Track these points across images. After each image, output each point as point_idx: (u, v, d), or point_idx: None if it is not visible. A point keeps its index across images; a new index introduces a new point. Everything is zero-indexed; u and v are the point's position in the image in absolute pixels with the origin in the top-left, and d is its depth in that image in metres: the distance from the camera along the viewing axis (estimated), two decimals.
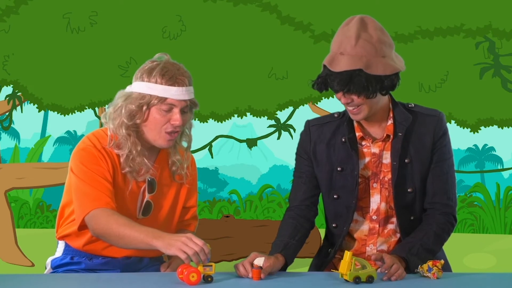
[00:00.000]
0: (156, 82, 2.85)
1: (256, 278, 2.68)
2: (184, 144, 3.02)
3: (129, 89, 2.91)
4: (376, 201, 2.98)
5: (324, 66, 2.84)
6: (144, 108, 2.86)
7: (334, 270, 2.76)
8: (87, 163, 2.87)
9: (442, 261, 2.74)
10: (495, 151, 8.91)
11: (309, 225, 3.03)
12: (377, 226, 2.99)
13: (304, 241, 2.99)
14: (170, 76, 2.85)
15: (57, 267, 3.01)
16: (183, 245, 2.59)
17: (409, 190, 2.96)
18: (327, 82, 2.84)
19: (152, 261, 3.03)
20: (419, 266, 2.77)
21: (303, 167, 3.05)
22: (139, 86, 2.87)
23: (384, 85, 2.83)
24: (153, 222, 2.94)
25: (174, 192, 3.03)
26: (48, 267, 3.05)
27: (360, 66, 2.78)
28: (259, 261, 2.71)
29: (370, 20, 2.85)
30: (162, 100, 2.84)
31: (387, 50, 2.83)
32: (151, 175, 2.95)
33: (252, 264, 2.71)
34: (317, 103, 7.08)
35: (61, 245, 3.04)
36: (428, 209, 2.99)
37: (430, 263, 2.74)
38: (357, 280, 2.62)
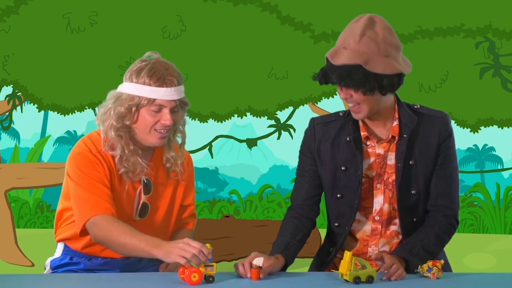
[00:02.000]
0: (144, 83, 2.83)
1: (255, 278, 2.68)
2: (178, 140, 3.01)
3: (119, 89, 2.89)
4: (379, 202, 2.97)
5: (327, 59, 2.85)
6: (133, 109, 2.85)
7: (334, 270, 2.75)
8: (83, 168, 2.86)
9: (442, 261, 2.74)
10: (495, 151, 8.88)
11: (311, 225, 3.02)
12: (380, 227, 2.98)
13: (305, 241, 2.98)
14: (158, 77, 2.82)
15: (57, 267, 3.00)
16: (181, 250, 2.60)
17: (413, 192, 2.95)
18: (327, 75, 2.84)
19: (151, 261, 3.02)
20: (419, 266, 2.76)
21: (306, 166, 3.03)
22: (128, 87, 2.86)
23: (383, 84, 2.82)
24: (150, 223, 2.94)
25: (171, 191, 3.02)
26: (48, 267, 3.04)
27: (359, 61, 2.78)
28: (259, 261, 2.71)
29: (379, 20, 2.85)
30: (151, 101, 2.82)
31: (392, 51, 2.82)
32: (146, 175, 2.94)
33: (251, 264, 2.71)
34: (317, 103, 7.07)
35: (60, 245, 3.03)
36: (430, 211, 2.98)
37: (430, 263, 2.74)
38: (357, 280, 2.62)
